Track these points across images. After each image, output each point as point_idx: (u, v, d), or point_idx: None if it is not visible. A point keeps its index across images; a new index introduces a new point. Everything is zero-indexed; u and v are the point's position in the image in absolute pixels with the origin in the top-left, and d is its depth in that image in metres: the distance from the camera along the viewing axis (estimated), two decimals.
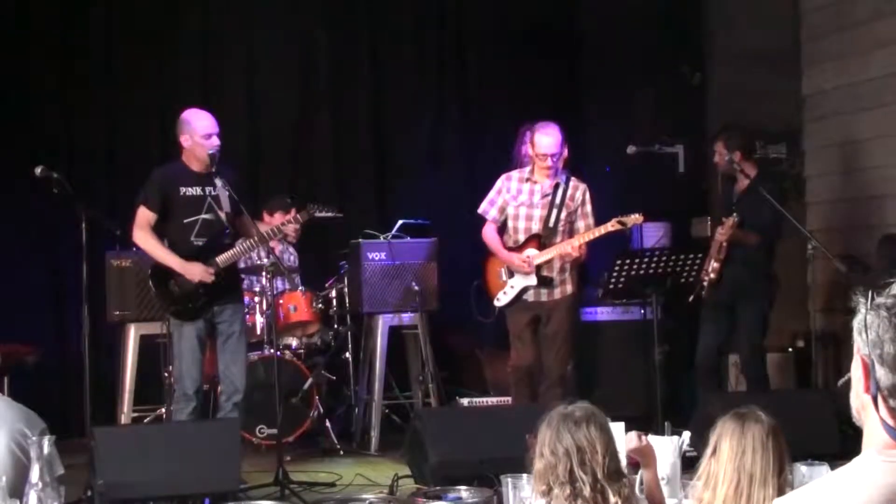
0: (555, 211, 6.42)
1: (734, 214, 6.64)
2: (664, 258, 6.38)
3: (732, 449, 2.97)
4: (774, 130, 8.44)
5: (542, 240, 6.41)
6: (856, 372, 1.87)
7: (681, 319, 7.33)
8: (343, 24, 8.51)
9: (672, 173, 8.21)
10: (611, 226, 6.30)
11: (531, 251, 6.40)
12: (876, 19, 7.69)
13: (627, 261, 6.38)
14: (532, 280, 6.39)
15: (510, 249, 6.46)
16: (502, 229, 6.56)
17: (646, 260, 6.38)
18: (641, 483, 3.81)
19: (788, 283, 7.09)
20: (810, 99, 8.43)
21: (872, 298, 1.83)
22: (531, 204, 6.47)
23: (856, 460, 1.84)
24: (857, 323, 1.86)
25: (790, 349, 8.03)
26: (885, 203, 7.73)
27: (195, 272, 5.90)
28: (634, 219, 6.30)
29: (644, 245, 7.77)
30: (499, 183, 6.56)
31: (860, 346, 1.86)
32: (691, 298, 6.71)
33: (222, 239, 6.02)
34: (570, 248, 6.30)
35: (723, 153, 6.85)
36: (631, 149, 7.43)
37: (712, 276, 6.63)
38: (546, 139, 6.40)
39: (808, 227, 7.72)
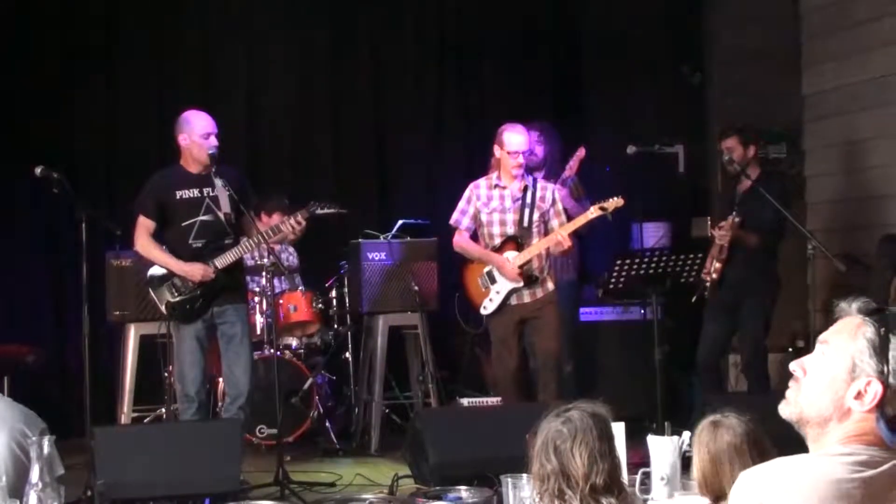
0: (527, 211, 6.42)
1: (734, 214, 6.64)
2: (664, 258, 6.38)
3: (702, 459, 3.01)
4: (774, 130, 8.43)
5: (518, 240, 6.42)
6: (869, 387, 1.88)
7: (681, 319, 7.33)
8: (343, 24, 8.50)
9: (672, 173, 8.20)
10: (592, 213, 6.33)
11: (510, 254, 6.41)
12: (876, 19, 7.68)
13: (627, 261, 6.38)
14: (519, 282, 6.40)
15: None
16: (473, 237, 6.58)
17: (646, 260, 6.38)
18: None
19: (788, 283, 7.08)
20: (810, 99, 8.43)
21: (885, 323, 1.85)
22: (503, 209, 6.46)
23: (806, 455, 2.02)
24: (869, 345, 1.86)
25: (790, 349, 8.01)
26: (885, 203, 7.72)
27: (195, 273, 5.90)
28: (615, 202, 6.29)
29: (644, 245, 7.76)
30: (467, 192, 6.55)
31: (872, 367, 1.87)
32: (694, 299, 6.71)
33: (222, 240, 6.03)
34: (559, 237, 6.29)
35: (738, 149, 6.74)
36: (631, 149, 7.41)
37: (714, 276, 6.63)
38: (516, 137, 6.42)
39: (808, 227, 7.70)
